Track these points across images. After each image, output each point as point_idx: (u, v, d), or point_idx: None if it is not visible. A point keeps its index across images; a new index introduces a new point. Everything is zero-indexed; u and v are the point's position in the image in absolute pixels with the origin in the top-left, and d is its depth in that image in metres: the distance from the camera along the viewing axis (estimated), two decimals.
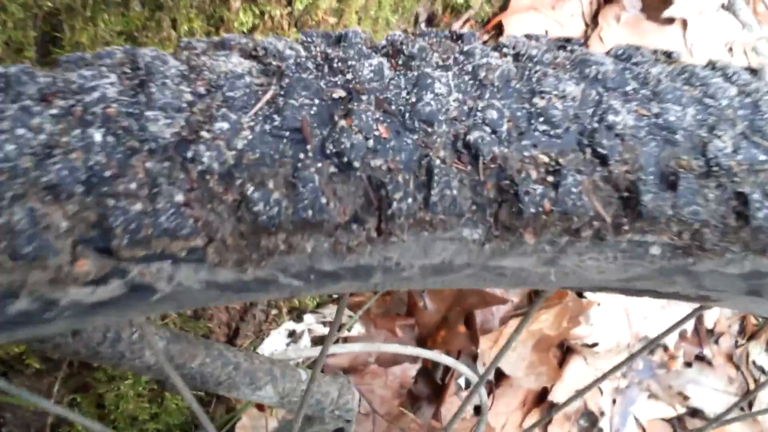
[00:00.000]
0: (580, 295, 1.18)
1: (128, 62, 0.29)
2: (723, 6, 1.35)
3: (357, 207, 0.28)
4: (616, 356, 1.24)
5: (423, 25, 1.12)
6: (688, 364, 1.31)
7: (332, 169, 0.27)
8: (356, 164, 0.27)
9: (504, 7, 1.19)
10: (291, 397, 0.66)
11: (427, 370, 1.14)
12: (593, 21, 1.28)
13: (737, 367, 1.31)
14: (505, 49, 0.32)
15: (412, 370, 1.10)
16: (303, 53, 0.30)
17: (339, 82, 0.29)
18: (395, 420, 1.08)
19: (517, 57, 0.31)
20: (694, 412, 1.29)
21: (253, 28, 0.70)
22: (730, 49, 1.35)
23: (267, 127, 0.27)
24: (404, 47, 0.30)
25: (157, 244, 0.26)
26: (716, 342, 1.32)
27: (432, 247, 0.29)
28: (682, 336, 1.26)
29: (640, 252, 0.31)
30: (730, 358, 1.31)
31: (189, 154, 0.27)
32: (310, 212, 0.27)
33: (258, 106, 0.27)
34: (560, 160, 0.29)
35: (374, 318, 1.08)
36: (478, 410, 1.16)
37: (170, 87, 0.28)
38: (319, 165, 0.27)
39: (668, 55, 0.34)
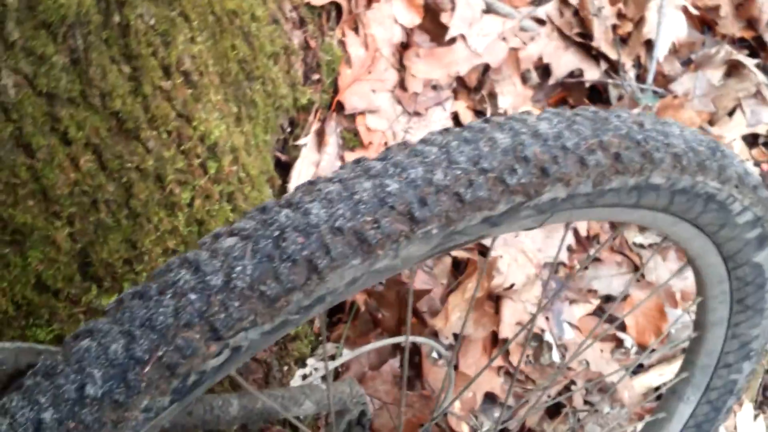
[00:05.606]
0: (483, 255, 1.56)
1: (166, 281, 0.65)
2: (483, 10, 1.75)
3: (304, 275, 0.64)
4: (532, 286, 1.62)
5: (288, 130, 1.49)
6: (585, 268, 1.69)
7: (289, 264, 0.64)
8: (296, 258, 0.64)
9: (336, 90, 1.57)
10: (322, 403, 1.02)
11: None
12: (402, 66, 1.66)
13: (621, 253, 1.71)
14: (335, 179, 0.69)
15: (396, 362, 1.47)
16: (253, 223, 0.66)
17: (274, 228, 0.65)
18: (400, 401, 1.43)
19: (341, 181, 0.68)
20: (606, 299, 1.68)
21: (192, 198, 1.06)
22: (504, 38, 1.75)
23: (255, 260, 0.64)
24: (292, 199, 0.67)
25: (237, 327, 0.62)
26: (597, 242, 1.72)
27: (344, 274, 0.66)
28: (571, 250, 1.65)
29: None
30: (612, 249, 1.71)
31: (231, 285, 0.63)
32: (288, 285, 0.63)
33: (247, 254, 0.64)
34: (376, 216, 0.66)
35: (353, 339, 1.44)
36: (456, 368, 1.52)
37: (212, 264, 0.64)
38: (284, 264, 0.64)
39: (405, 144, 0.72)
